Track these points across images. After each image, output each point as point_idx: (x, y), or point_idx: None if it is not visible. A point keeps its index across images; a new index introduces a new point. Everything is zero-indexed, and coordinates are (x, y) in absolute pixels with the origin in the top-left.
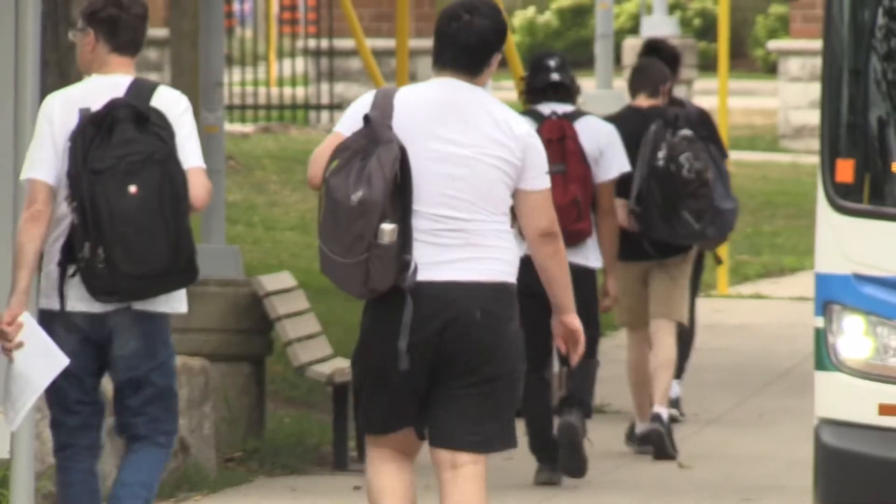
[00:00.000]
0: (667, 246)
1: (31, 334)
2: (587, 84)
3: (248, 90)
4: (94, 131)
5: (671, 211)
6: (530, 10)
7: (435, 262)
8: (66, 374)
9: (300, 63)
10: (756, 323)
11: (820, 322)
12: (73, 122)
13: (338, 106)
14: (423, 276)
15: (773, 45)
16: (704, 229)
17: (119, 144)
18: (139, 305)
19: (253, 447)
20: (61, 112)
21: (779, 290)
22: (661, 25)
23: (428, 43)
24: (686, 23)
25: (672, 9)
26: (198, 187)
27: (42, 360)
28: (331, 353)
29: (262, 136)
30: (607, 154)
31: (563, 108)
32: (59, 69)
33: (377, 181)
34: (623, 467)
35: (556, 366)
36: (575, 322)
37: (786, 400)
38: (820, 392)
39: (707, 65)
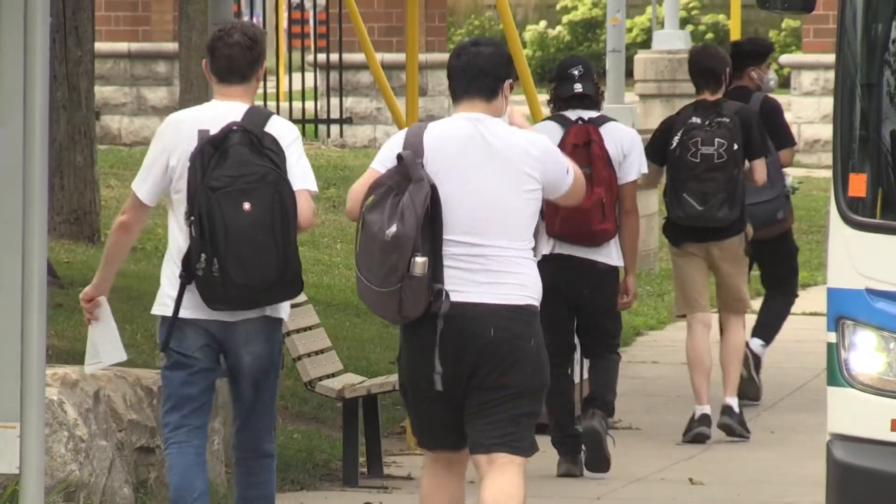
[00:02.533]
0: (705, 230)
1: (105, 319)
2: None
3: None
4: (211, 151)
5: (674, 193)
6: (542, 24)
7: (459, 286)
8: (192, 361)
9: (309, 77)
10: None
11: (832, 337)
12: (192, 142)
13: (347, 120)
14: (452, 298)
15: (785, 59)
16: (713, 212)
17: (235, 165)
18: (268, 312)
19: None
20: (183, 131)
21: None
22: (672, 39)
23: (438, 56)
24: (698, 37)
25: (684, 23)
26: (305, 209)
27: (110, 346)
28: (341, 368)
29: None
30: (629, 157)
31: (588, 114)
32: (69, 82)
33: (409, 217)
34: (633, 484)
35: (577, 375)
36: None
37: (798, 415)
38: (832, 408)
39: None
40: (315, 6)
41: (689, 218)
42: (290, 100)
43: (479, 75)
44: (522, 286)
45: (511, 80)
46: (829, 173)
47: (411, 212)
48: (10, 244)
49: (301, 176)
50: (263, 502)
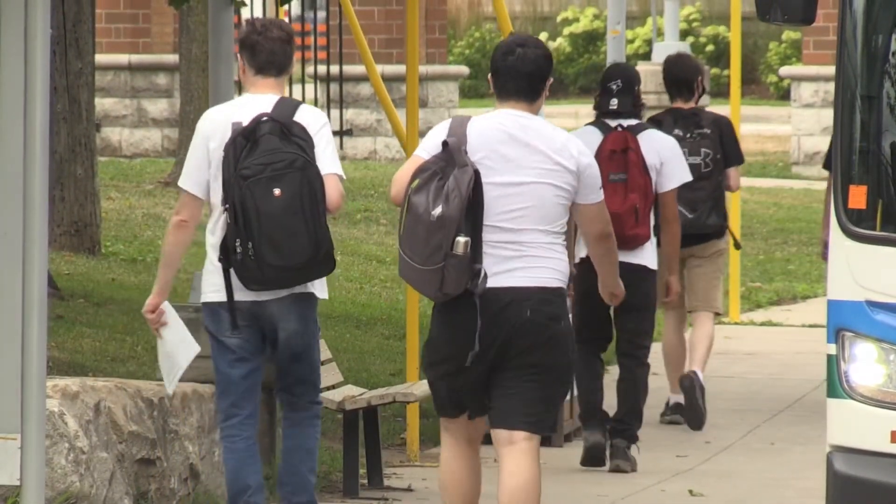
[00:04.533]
0: (689, 236)
1: (172, 322)
2: None
3: None
4: (243, 142)
5: None
6: (543, 36)
7: (495, 271)
8: (234, 356)
9: (310, 89)
10: (768, 350)
11: (832, 349)
12: (227, 134)
13: (348, 132)
14: (488, 282)
15: (785, 70)
16: (702, 219)
17: (264, 153)
18: (298, 289)
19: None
20: (217, 126)
21: (791, 317)
22: (673, 51)
23: (438, 68)
24: (698, 49)
25: (684, 35)
26: (332, 191)
27: (181, 345)
28: (341, 380)
29: None
30: (668, 165)
31: (628, 121)
32: (69, 94)
33: (454, 199)
34: (633, 496)
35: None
36: (617, 289)
37: (798, 427)
38: (832, 419)
39: (719, 91)
40: (315, 18)
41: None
42: None
43: (526, 78)
44: (554, 269)
45: (551, 78)
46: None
47: (456, 194)
48: (10, 256)
49: (329, 161)
50: (302, 454)
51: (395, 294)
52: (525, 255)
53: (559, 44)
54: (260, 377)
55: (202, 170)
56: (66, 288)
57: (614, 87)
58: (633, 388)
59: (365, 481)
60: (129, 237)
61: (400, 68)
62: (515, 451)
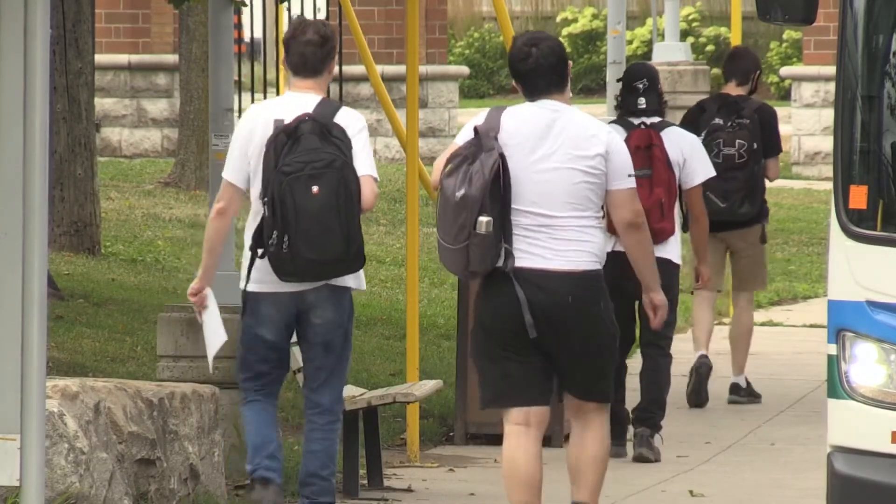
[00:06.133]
0: (724, 223)
1: (211, 308)
2: (598, 110)
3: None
4: (285, 139)
5: None
6: None
7: (529, 253)
8: (264, 340)
9: None
10: (768, 350)
11: (833, 349)
12: (268, 129)
13: None
14: (519, 263)
15: (785, 71)
16: (734, 208)
17: (305, 152)
18: (335, 281)
19: None
20: (259, 121)
21: (792, 317)
22: (673, 51)
23: (438, 68)
24: (699, 49)
25: (684, 35)
26: (367, 192)
27: (213, 332)
28: None
29: None
30: (691, 161)
31: (651, 119)
32: (69, 94)
33: (477, 181)
34: (633, 496)
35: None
36: (657, 297)
37: (798, 428)
38: (833, 420)
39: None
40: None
41: (712, 213)
42: None
43: (552, 72)
44: (588, 252)
45: (570, 62)
46: (829, 185)
47: (479, 176)
48: (10, 256)
49: (364, 162)
50: (322, 457)
51: (395, 294)
52: (557, 238)
53: None
54: (285, 367)
55: (243, 162)
56: (65, 288)
57: (640, 86)
58: (657, 378)
59: (365, 482)
60: (129, 237)
61: (400, 68)
62: (586, 420)
